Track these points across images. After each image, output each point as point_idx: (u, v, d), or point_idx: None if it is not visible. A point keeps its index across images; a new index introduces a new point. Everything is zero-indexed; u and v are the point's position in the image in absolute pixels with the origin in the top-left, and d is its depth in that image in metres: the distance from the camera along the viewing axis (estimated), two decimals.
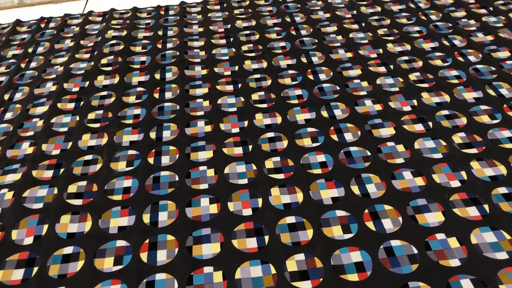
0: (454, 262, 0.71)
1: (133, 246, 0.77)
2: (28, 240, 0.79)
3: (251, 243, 0.76)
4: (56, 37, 1.41)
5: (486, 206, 0.79)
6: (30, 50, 1.35)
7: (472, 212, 0.79)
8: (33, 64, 1.28)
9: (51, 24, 1.49)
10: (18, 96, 1.16)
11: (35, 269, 0.74)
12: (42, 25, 1.48)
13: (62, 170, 0.93)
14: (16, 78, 1.22)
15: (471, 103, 1.02)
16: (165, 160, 0.93)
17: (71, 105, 1.11)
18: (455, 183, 0.84)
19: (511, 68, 1.12)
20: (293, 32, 1.34)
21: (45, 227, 0.81)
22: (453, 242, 0.74)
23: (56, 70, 1.25)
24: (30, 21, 1.52)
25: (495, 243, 0.73)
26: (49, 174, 0.92)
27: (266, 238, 0.77)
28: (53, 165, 0.94)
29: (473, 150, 0.90)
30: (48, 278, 0.73)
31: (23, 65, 1.28)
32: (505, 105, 1.00)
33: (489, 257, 0.71)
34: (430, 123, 0.97)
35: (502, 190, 0.82)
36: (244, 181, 0.88)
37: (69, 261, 0.75)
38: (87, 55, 1.30)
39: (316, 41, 1.29)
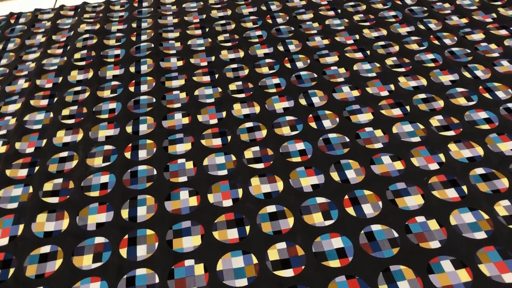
0: (434, 244, 0.71)
1: (112, 242, 0.76)
2: (3, 241, 0.77)
3: (232, 234, 0.76)
4: (27, 33, 1.37)
5: (464, 187, 0.80)
6: (0, 47, 1.31)
7: (451, 193, 0.79)
8: (3, 61, 1.25)
9: (21, 20, 1.45)
10: None
11: (11, 270, 0.72)
12: (12, 21, 1.44)
13: (37, 168, 0.90)
14: None
15: (448, 86, 1.02)
16: (143, 154, 0.92)
17: (44, 102, 1.08)
18: (434, 166, 0.84)
19: (486, 50, 1.13)
20: (269, 21, 1.32)
21: (21, 227, 0.79)
22: (433, 224, 0.74)
23: (28, 66, 1.22)
24: None
25: (473, 223, 0.74)
26: (23, 172, 0.90)
27: (247, 228, 0.76)
28: (27, 164, 0.92)
29: (451, 133, 0.91)
30: (26, 279, 0.71)
31: None
32: (480, 87, 1.01)
33: (468, 237, 0.72)
34: (408, 107, 0.98)
35: (480, 170, 0.83)
36: (224, 172, 0.87)
37: (47, 261, 0.74)
38: (60, 50, 1.27)
39: (293, 29, 1.28)
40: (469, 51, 1.13)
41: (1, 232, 0.79)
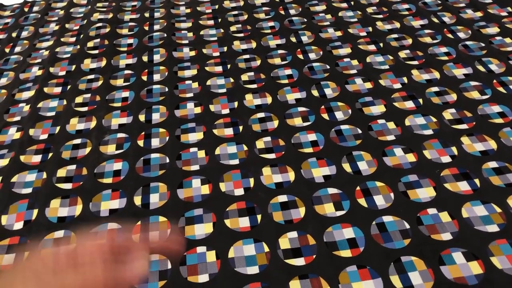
0: (446, 236, 0.71)
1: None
2: (18, 225, 0.78)
3: (244, 222, 0.76)
4: (40, 21, 1.38)
5: (476, 181, 0.80)
6: (14, 34, 1.32)
7: (463, 186, 0.79)
8: (17, 49, 1.26)
9: (35, 8, 1.45)
10: (3, 81, 1.13)
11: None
12: (26, 9, 1.45)
13: (50, 154, 0.91)
14: (0, 63, 1.20)
15: (461, 79, 1.02)
16: (155, 142, 0.92)
17: (58, 89, 1.09)
18: (446, 159, 0.84)
19: (500, 44, 1.12)
20: (282, 12, 1.32)
21: (35, 211, 0.80)
22: (445, 217, 0.74)
23: (41, 54, 1.23)
24: (13, 5, 1.48)
25: (486, 216, 0.74)
26: (37, 158, 0.91)
27: (259, 217, 0.77)
28: (41, 150, 0.93)
29: (464, 126, 0.90)
30: None
31: (7, 50, 1.25)
32: (494, 81, 1.01)
33: (480, 230, 0.72)
34: (421, 100, 0.97)
35: (493, 164, 0.82)
36: (236, 161, 0.87)
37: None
38: (73, 39, 1.28)
39: (305, 20, 1.27)
40: (483, 44, 1.12)
41: (16, 216, 0.80)
